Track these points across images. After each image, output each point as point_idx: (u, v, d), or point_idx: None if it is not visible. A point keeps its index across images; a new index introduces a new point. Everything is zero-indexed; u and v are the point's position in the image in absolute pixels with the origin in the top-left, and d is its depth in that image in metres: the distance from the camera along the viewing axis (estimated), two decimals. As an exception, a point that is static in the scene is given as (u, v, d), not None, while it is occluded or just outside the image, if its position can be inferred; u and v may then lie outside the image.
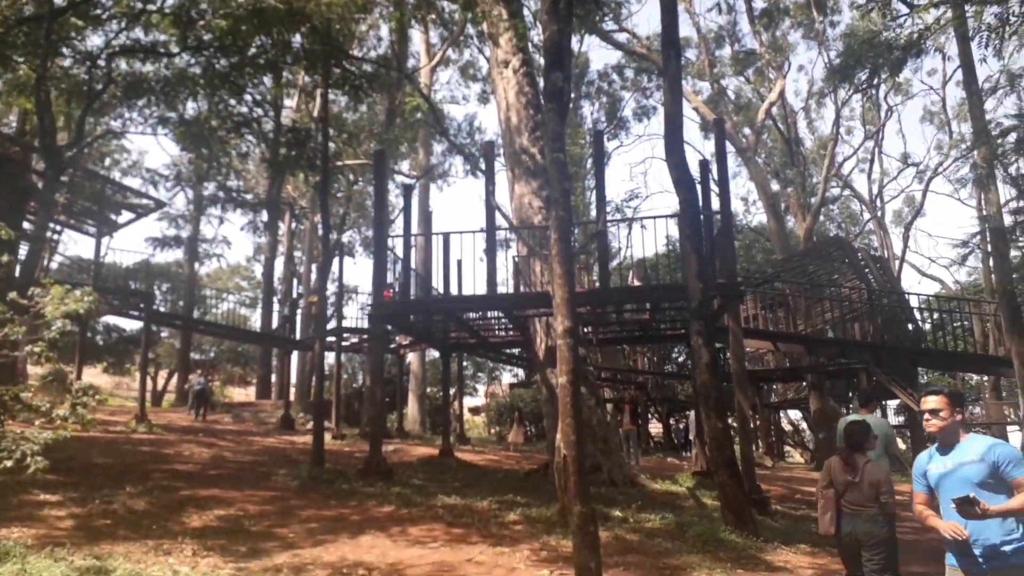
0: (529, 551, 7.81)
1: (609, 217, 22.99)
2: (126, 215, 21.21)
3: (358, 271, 75.54)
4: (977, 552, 3.68)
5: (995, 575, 3.64)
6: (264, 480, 11.36)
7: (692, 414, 20.21)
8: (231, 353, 37.18)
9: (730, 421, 13.59)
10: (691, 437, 20.13)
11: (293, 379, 27.41)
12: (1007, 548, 3.62)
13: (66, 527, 7.57)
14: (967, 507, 3.61)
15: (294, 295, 27.89)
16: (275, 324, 29.74)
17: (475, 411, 35.94)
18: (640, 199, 58.02)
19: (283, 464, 12.95)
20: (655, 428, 30.84)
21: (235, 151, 23.08)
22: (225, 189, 29.40)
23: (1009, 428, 25.59)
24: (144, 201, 21.80)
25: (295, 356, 26.89)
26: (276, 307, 31.18)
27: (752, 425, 26.12)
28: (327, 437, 16.56)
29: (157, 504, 8.89)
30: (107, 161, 30.51)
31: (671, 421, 30.45)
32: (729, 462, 9.27)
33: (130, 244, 69.82)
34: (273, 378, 30.43)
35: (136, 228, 78.37)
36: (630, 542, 8.34)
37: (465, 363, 28.63)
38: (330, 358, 22.55)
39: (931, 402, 3.92)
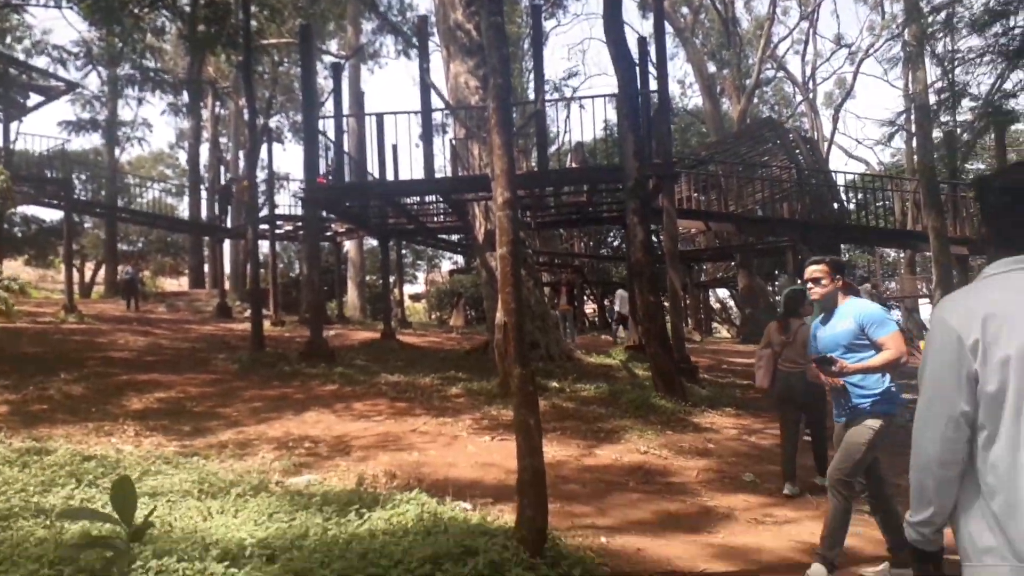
0: (471, 420, 8.13)
1: (547, 97, 22.63)
2: (35, 98, 19.82)
3: (289, 158, 73.13)
4: (847, 404, 4.00)
5: (855, 423, 3.94)
6: (203, 365, 11.34)
7: (619, 293, 20.81)
8: (160, 243, 36.04)
9: (662, 300, 14.02)
10: (617, 314, 20.79)
11: (227, 269, 26.92)
12: (865, 403, 3.92)
13: (1, 413, 7.48)
14: (825, 366, 3.89)
15: (222, 182, 26.92)
16: (204, 213, 28.83)
17: (415, 298, 36.15)
18: (578, 77, 56.74)
19: (222, 350, 12.92)
20: (590, 309, 31.69)
21: (149, 27, 21.56)
22: (141, 69, 27.56)
23: (921, 300, 27.17)
24: (53, 83, 20.33)
25: (227, 245, 26.31)
26: (204, 195, 30.13)
27: (683, 304, 27.08)
28: (266, 324, 16.48)
29: (94, 389, 8.82)
30: (7, 38, 28.13)
31: (605, 302, 31.29)
32: (660, 334, 9.66)
33: (42, 130, 65.51)
34: (206, 268, 29.79)
35: (47, 113, 73.64)
36: (567, 409, 8.74)
37: (404, 251, 28.51)
38: (264, 247, 22.16)
39: (813, 271, 4.13)
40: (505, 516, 4.63)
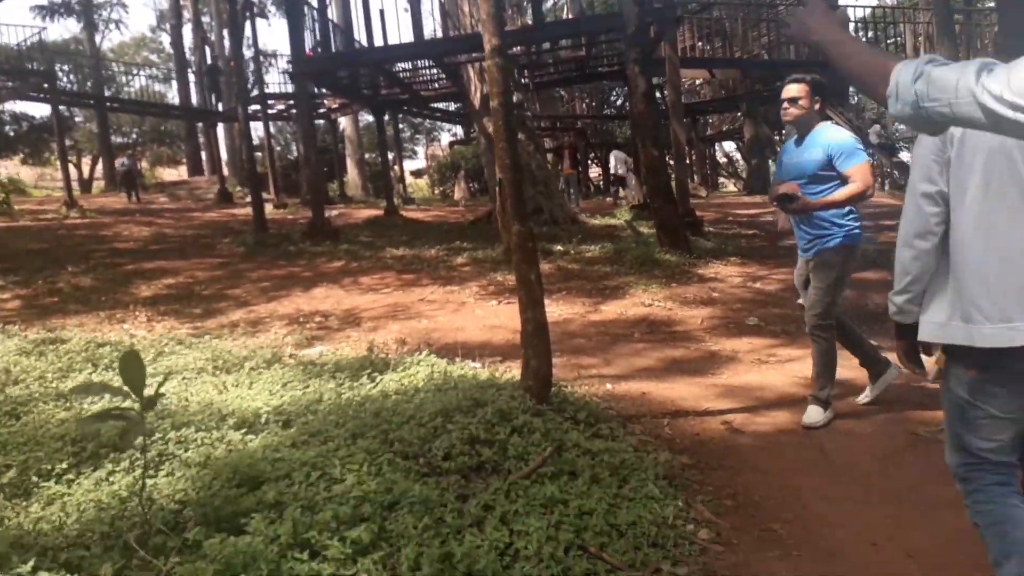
0: (478, 287, 8.20)
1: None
2: (0, -15, 18.87)
3: (274, 35, 70.50)
4: (810, 237, 3.86)
5: (818, 262, 3.83)
6: (209, 250, 11.37)
7: (614, 153, 20.52)
8: (154, 133, 35.42)
9: (666, 153, 13.74)
10: (613, 176, 20.60)
11: (224, 155, 26.55)
12: (827, 238, 3.77)
13: (13, 307, 7.58)
14: (785, 203, 3.72)
15: (208, 63, 26.02)
16: (194, 97, 28.12)
17: (417, 174, 35.73)
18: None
19: (226, 234, 12.91)
20: (595, 172, 31.29)
21: None
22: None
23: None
24: (17, -34, 19.30)
25: (222, 129, 25.78)
26: (192, 79, 29.24)
27: (688, 160, 26.64)
28: (268, 207, 16.41)
29: (103, 280, 8.89)
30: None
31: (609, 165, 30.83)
32: (664, 188, 9.55)
33: (15, 20, 62.69)
34: (203, 155, 29.40)
35: (16, 1, 70.30)
36: (571, 270, 8.78)
37: (401, 125, 27.90)
38: (260, 130, 21.72)
39: (791, 90, 3.79)
40: (513, 371, 4.73)
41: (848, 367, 4.65)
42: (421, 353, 4.97)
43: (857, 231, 3.82)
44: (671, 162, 14.47)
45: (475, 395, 3.82)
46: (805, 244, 3.91)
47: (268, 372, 4.75)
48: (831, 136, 3.74)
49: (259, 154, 24.02)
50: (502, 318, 6.79)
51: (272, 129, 26.39)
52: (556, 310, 7.07)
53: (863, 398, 4.18)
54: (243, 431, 3.59)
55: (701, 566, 2.49)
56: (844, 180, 3.68)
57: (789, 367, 4.82)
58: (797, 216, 3.86)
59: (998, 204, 1.88)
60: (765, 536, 2.76)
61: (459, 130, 30.12)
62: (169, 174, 34.48)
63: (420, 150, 41.64)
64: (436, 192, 28.56)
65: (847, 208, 3.77)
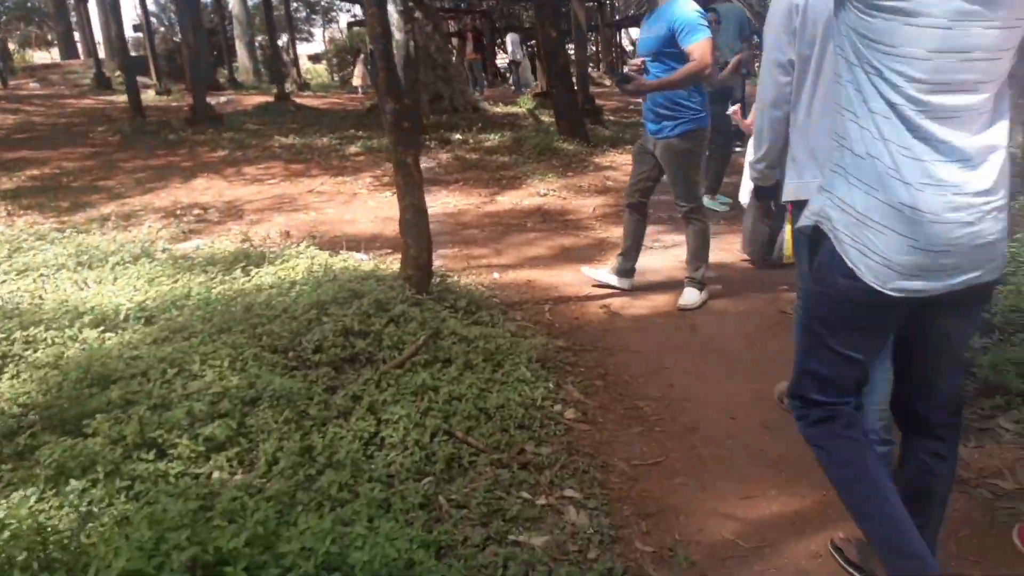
0: (371, 178, 7.94)
1: None
2: None
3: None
4: (651, 117, 3.73)
5: (666, 145, 3.71)
6: (81, 139, 10.53)
7: (510, 36, 20.00)
8: (19, 10, 32.09)
9: (566, 36, 13.36)
10: (510, 61, 20.13)
11: (98, 36, 24.35)
12: (675, 122, 3.63)
13: None
14: (623, 84, 3.54)
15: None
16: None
17: (315, 59, 33.84)
18: None
19: (102, 122, 11.96)
20: (502, 61, 30.37)
21: None
22: None
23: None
24: None
25: (94, 6, 23.50)
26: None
27: (595, 48, 26.15)
28: (150, 93, 15.31)
29: (-45, 171, 8.13)
30: None
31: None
32: (562, 72, 9.33)
33: None
34: (77, 36, 26.86)
35: None
36: (470, 160, 8.59)
37: (295, 4, 26.10)
38: (139, 7, 19.84)
39: None
40: (399, 263, 4.61)
41: (728, 250, 4.76)
42: (301, 245, 4.78)
43: (703, 115, 3.69)
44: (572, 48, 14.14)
45: (353, 287, 3.70)
46: (652, 125, 3.76)
47: (135, 267, 4.46)
48: (676, 10, 3.49)
49: (139, 34, 22.12)
50: (395, 210, 6.58)
51: (154, 7, 24.30)
52: (451, 200, 6.94)
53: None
54: (100, 329, 3.38)
55: (564, 445, 2.53)
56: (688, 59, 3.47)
57: (672, 252, 4.88)
58: (637, 96, 3.70)
59: (828, 72, 1.99)
60: (630, 413, 2.82)
61: (358, 10, 28.43)
62: (40, 57, 31.46)
63: (317, 31, 39.40)
64: (335, 78, 27.18)
65: (694, 91, 3.61)
